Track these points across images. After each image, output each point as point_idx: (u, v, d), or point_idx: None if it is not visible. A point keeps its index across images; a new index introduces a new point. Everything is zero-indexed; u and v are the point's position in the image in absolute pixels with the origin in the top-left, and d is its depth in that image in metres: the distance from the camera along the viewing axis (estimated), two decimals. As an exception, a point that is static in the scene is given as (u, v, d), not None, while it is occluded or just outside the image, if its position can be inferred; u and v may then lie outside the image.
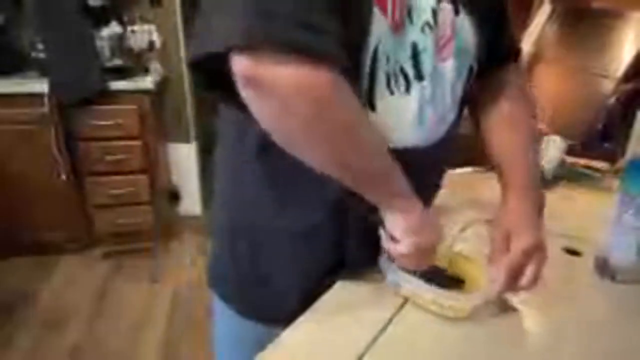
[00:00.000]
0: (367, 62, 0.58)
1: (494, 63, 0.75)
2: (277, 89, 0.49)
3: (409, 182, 0.62)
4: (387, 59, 0.60)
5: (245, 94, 0.51)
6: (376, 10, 0.57)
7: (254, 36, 0.46)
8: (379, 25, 0.57)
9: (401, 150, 0.63)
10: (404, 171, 0.61)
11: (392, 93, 0.61)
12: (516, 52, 0.80)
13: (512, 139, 0.76)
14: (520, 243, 0.68)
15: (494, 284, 0.68)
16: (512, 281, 0.67)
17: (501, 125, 0.77)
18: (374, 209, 0.64)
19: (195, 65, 0.52)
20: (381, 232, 0.66)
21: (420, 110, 0.64)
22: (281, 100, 0.50)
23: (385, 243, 0.66)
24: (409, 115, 0.63)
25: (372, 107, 0.61)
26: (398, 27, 0.59)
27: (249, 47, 0.47)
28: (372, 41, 0.57)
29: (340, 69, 0.50)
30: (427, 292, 0.68)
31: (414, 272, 0.69)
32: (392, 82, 0.61)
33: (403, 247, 0.64)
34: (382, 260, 0.72)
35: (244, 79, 0.49)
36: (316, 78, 0.49)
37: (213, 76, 0.53)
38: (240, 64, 0.48)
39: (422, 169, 0.64)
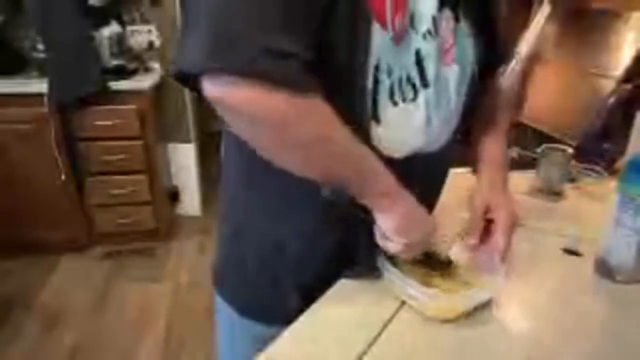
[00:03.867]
0: (370, 77, 0.59)
1: (487, 69, 0.77)
2: (238, 110, 0.53)
3: (415, 187, 0.63)
4: (390, 72, 0.60)
5: (218, 111, 0.55)
6: (376, 26, 0.57)
7: (215, 62, 0.50)
8: (379, 40, 0.58)
9: (407, 158, 0.64)
10: (411, 178, 0.62)
11: (395, 104, 0.62)
12: (506, 59, 0.85)
13: (491, 136, 0.82)
14: (502, 218, 0.74)
15: (498, 279, 0.71)
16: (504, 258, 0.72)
17: (484, 125, 0.83)
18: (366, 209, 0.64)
19: (180, 79, 0.55)
20: (374, 229, 0.67)
21: (427, 115, 0.65)
22: (245, 120, 0.54)
23: (378, 240, 0.67)
24: (416, 121, 0.64)
25: (377, 120, 0.62)
26: (399, 38, 0.60)
27: (211, 72, 0.51)
28: (373, 57, 0.58)
29: (303, 89, 0.52)
30: (427, 297, 0.67)
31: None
32: (397, 94, 0.62)
33: (394, 245, 0.66)
34: (380, 260, 0.72)
35: (211, 101, 0.53)
36: (269, 101, 0.51)
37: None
38: (206, 88, 0.52)
39: (428, 174, 0.65)
